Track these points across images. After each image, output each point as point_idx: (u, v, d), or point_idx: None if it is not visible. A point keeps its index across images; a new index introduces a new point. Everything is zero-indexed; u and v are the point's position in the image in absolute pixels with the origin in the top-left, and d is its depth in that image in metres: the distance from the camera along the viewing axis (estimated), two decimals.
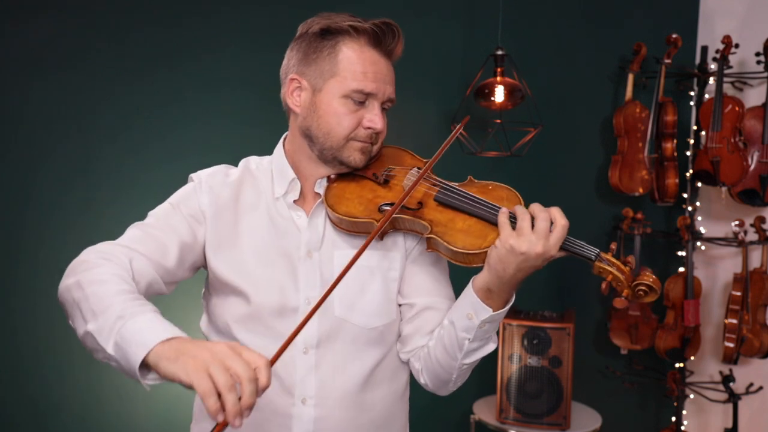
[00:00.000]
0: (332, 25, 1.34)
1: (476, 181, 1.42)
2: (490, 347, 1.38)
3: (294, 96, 1.39)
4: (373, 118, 1.35)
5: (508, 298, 1.33)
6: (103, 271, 1.19)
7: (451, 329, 1.35)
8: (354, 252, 1.36)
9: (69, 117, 2.85)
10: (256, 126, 2.57)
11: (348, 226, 1.37)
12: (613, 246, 1.29)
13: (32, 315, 2.85)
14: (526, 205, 1.31)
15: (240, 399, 0.97)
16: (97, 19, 2.85)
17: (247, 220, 1.41)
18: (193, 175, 1.46)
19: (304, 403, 1.36)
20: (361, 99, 1.34)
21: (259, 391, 0.99)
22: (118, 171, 2.88)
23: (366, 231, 1.37)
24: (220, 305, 1.42)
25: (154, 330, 1.07)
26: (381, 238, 1.39)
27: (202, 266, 1.44)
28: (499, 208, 1.30)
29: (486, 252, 1.28)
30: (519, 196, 1.35)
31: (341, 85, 1.33)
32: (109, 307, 1.12)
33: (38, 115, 2.83)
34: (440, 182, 1.39)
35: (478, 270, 1.33)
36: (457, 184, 1.40)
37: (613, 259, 1.28)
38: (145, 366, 1.05)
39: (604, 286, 1.29)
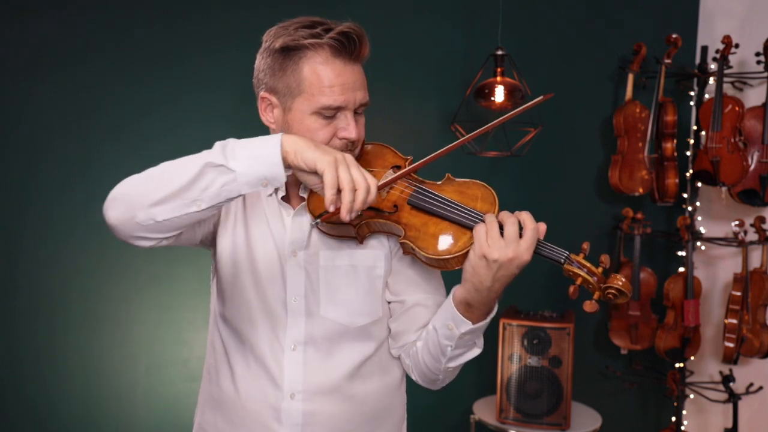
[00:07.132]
0: (290, 43, 1.32)
1: (454, 179, 1.39)
2: (475, 352, 1.39)
3: (267, 113, 1.41)
4: (347, 128, 1.33)
5: (488, 310, 1.32)
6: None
7: (434, 335, 1.36)
8: (340, 252, 1.39)
9: (69, 117, 2.85)
10: (255, 126, 2.57)
11: (328, 230, 1.37)
12: (585, 246, 1.26)
13: (32, 315, 2.85)
14: (501, 204, 1.30)
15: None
16: (97, 19, 2.85)
17: (252, 213, 1.43)
18: None
19: (292, 398, 1.39)
20: (330, 114, 1.32)
21: (367, 202, 1.16)
22: (118, 171, 2.85)
23: (347, 234, 1.36)
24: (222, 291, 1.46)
25: (264, 137, 1.21)
26: (362, 241, 1.39)
27: (206, 245, 1.47)
28: (473, 212, 1.29)
29: (459, 256, 1.27)
30: (494, 193, 1.33)
31: (309, 102, 1.32)
32: (197, 155, 1.24)
33: (38, 115, 2.83)
34: (415, 184, 1.37)
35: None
36: (433, 183, 1.38)
37: (584, 261, 1.25)
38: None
39: (572, 290, 1.25)
